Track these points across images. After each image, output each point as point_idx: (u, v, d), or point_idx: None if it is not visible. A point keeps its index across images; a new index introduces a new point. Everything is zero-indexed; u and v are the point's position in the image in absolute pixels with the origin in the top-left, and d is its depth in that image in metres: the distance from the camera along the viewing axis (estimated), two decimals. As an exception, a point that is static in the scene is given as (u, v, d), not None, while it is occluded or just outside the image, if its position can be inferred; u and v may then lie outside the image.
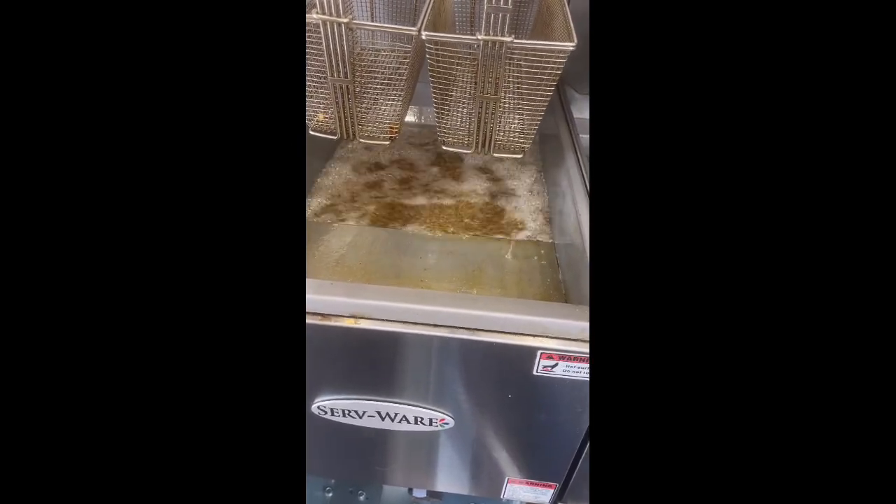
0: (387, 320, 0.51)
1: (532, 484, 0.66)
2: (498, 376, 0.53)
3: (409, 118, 1.10)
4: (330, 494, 1.11)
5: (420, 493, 0.91)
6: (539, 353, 0.50)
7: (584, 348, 0.50)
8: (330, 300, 0.51)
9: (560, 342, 0.50)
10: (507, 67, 0.64)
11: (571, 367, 0.51)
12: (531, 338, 0.50)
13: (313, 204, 0.84)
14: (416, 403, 0.57)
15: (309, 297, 0.50)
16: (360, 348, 0.53)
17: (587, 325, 0.49)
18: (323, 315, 0.51)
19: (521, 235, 0.80)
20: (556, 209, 0.82)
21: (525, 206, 0.86)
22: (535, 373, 0.52)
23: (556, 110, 0.91)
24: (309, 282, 0.51)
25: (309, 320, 0.51)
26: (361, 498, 1.10)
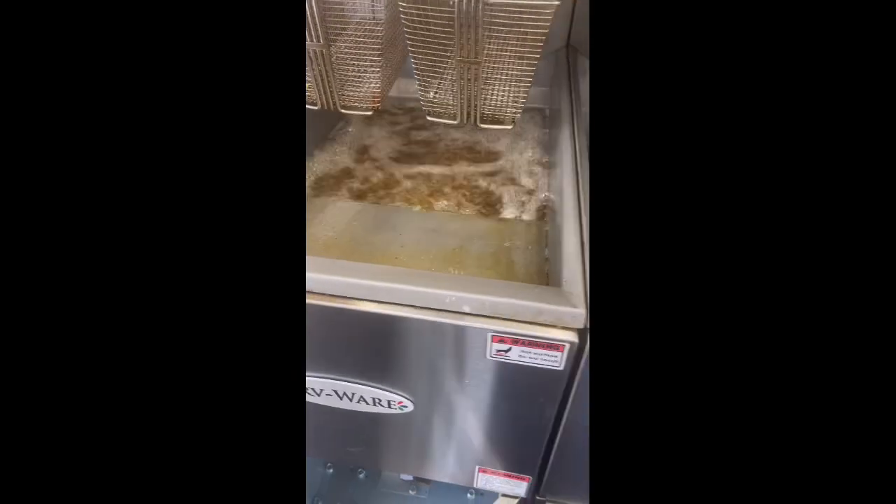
0: (331, 295, 0.48)
1: (504, 475, 0.63)
2: (452, 359, 0.50)
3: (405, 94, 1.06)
4: (331, 471, 1.11)
5: (407, 477, 0.89)
6: (489, 335, 0.46)
7: (541, 332, 0.45)
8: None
9: (512, 325, 0.45)
10: (487, 28, 0.59)
11: (527, 352, 0.46)
12: (480, 319, 0.46)
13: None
14: (372, 384, 0.55)
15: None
16: (310, 325, 0.51)
17: (544, 306, 0.44)
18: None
19: (512, 214, 0.75)
20: (553, 188, 0.76)
21: (523, 184, 0.81)
22: (488, 357, 0.48)
23: (562, 83, 0.85)
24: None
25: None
26: (361, 476, 1.10)
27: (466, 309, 0.46)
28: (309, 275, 0.48)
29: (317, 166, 0.85)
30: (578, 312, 0.43)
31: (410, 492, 1.07)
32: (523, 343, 0.46)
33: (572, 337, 0.44)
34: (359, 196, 0.79)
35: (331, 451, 0.66)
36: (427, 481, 0.92)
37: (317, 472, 1.13)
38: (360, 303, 0.48)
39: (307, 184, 0.81)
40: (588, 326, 0.44)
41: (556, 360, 0.46)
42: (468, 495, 1.05)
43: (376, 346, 0.51)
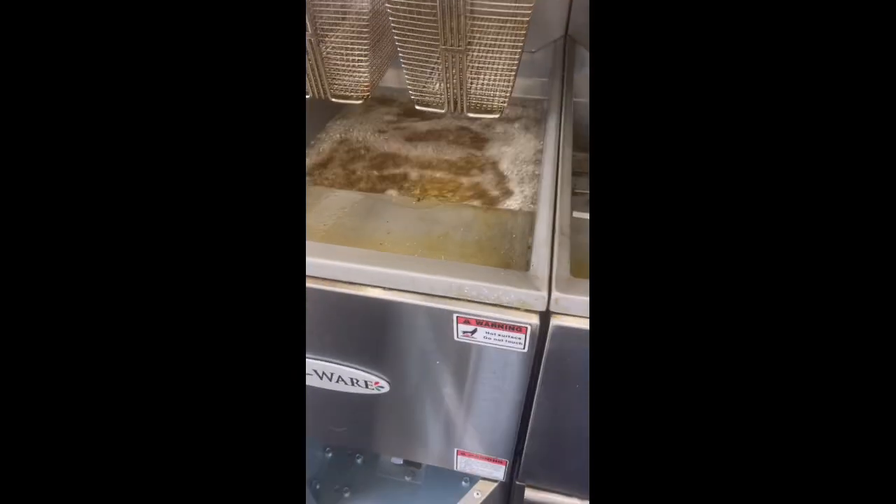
0: (308, 276, 0.50)
1: (482, 458, 0.64)
2: (422, 340, 0.51)
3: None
4: (329, 455, 1.14)
5: (397, 461, 0.91)
6: (455, 316, 0.47)
7: (504, 314, 0.46)
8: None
9: (477, 307, 0.47)
10: (469, 16, 0.60)
11: (492, 333, 0.47)
12: (447, 300, 0.47)
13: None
14: (349, 364, 0.56)
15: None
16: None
17: (506, 288, 0.45)
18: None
19: (503, 203, 0.76)
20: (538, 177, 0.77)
21: (516, 174, 0.82)
22: (455, 338, 0.49)
23: (556, 72, 0.85)
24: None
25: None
26: (359, 461, 1.12)
27: (434, 290, 0.47)
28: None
29: (312, 154, 0.87)
30: (540, 295, 0.44)
31: (406, 478, 1.09)
32: (487, 324, 0.47)
33: (534, 319, 0.45)
34: (354, 183, 0.80)
35: (315, 431, 0.68)
36: (417, 465, 0.94)
37: (315, 455, 1.15)
38: (336, 284, 0.49)
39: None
40: (550, 310, 0.45)
41: (519, 342, 0.47)
42: (462, 483, 1.07)
43: (350, 326, 0.53)
